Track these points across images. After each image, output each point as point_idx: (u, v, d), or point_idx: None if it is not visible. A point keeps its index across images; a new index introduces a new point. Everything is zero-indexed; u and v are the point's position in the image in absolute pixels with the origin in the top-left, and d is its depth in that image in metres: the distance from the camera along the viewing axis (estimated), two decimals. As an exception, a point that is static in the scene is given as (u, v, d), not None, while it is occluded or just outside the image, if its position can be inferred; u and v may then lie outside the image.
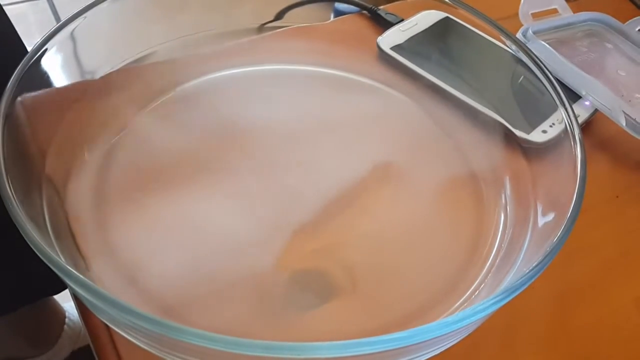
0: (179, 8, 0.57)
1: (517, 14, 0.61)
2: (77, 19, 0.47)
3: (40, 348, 0.99)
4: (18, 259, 0.78)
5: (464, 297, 0.41)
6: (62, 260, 0.32)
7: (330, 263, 0.43)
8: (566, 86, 0.56)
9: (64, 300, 1.03)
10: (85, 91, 0.49)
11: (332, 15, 0.64)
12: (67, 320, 1.02)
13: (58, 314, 1.02)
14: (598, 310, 0.44)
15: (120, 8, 0.50)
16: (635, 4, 0.72)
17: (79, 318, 1.03)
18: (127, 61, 0.52)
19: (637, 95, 0.57)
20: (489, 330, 0.40)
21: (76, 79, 0.49)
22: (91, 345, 0.40)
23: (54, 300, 1.01)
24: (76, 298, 0.41)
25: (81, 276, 0.31)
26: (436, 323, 0.31)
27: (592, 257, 0.47)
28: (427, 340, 0.32)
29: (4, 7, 0.71)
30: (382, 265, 0.43)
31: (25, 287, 0.88)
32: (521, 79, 0.51)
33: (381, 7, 0.62)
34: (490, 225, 0.45)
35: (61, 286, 0.92)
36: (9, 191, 0.34)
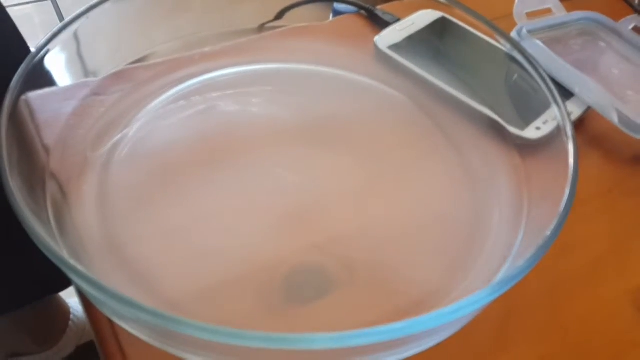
0: (180, 9, 0.57)
1: (511, 14, 0.61)
2: (80, 19, 0.47)
3: (45, 344, 0.99)
4: (22, 257, 0.78)
5: (459, 289, 0.41)
6: (66, 255, 0.33)
7: (328, 257, 0.43)
8: (559, 84, 0.56)
9: (69, 296, 1.03)
10: (88, 90, 0.49)
11: (330, 15, 0.64)
12: (71, 316, 1.02)
13: (63, 310, 1.02)
14: (590, 302, 0.45)
15: (122, 8, 0.51)
16: (628, 3, 0.72)
17: (83, 314, 1.03)
18: (130, 61, 0.53)
19: (629, 92, 0.58)
20: (483, 322, 0.40)
21: (79, 78, 0.50)
22: (95, 339, 0.41)
23: (59, 296, 1.01)
24: (80, 293, 0.42)
25: (85, 271, 0.31)
26: (432, 314, 0.31)
27: (585, 250, 0.48)
28: (423, 332, 0.32)
29: (9, 8, 0.71)
30: (379, 260, 0.44)
31: (30, 285, 0.88)
32: (515, 77, 0.52)
33: (378, 7, 0.63)
34: (485, 220, 0.46)
35: (65, 283, 0.93)
36: (13, 187, 0.35)
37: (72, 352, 1.02)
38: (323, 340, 0.30)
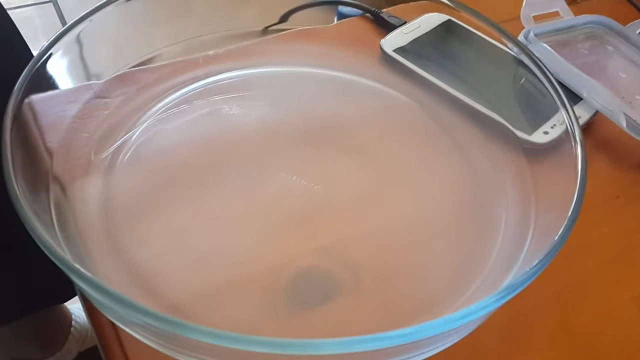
0: (183, 11, 0.57)
1: (518, 17, 0.61)
2: (83, 22, 0.47)
3: (47, 351, 0.99)
4: (27, 268, 0.78)
5: (466, 295, 0.41)
6: (69, 258, 0.33)
7: (333, 261, 0.43)
8: (567, 88, 0.56)
9: (71, 303, 1.03)
10: (92, 93, 0.49)
11: (335, 19, 0.64)
12: (73, 322, 1.02)
13: (65, 316, 1.02)
14: (598, 308, 0.45)
15: (125, 11, 0.51)
16: (636, 6, 0.72)
17: (85, 320, 1.03)
18: (133, 64, 0.52)
19: (637, 96, 0.57)
20: (491, 328, 0.40)
21: (82, 81, 0.49)
22: (98, 344, 0.40)
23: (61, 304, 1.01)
24: (83, 297, 0.42)
25: (88, 273, 0.31)
26: (440, 320, 0.31)
27: (593, 256, 0.48)
28: (431, 337, 0.32)
29: (11, 11, 0.71)
30: (384, 264, 0.43)
31: (34, 296, 0.88)
32: (523, 80, 0.52)
33: (384, 9, 0.62)
34: (492, 225, 0.45)
35: (70, 294, 0.93)
36: (17, 190, 0.34)
37: (75, 358, 1.02)
38: (330, 346, 0.29)
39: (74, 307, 1.04)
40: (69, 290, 0.91)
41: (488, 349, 0.42)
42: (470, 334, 0.37)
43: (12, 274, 0.81)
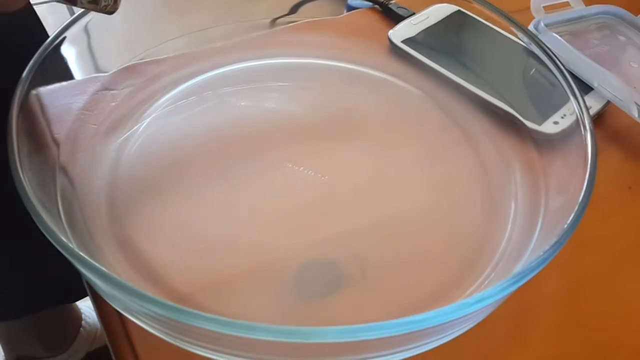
0: (192, 2, 0.57)
1: (528, 8, 0.60)
2: (90, 12, 0.47)
3: (56, 349, 0.99)
4: (40, 265, 0.79)
5: (475, 285, 0.41)
6: (75, 248, 0.33)
7: (340, 252, 0.43)
8: (578, 78, 0.55)
9: (81, 302, 1.03)
10: (99, 84, 0.49)
11: (344, 10, 0.64)
12: (83, 322, 1.02)
13: (75, 315, 1.01)
14: (608, 300, 0.44)
15: (133, 2, 0.51)
16: (648, -3, 0.72)
17: (94, 320, 1.03)
18: (140, 55, 0.53)
19: (649, 87, 0.57)
20: (499, 320, 0.40)
21: (90, 72, 0.50)
22: (105, 335, 0.40)
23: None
24: (90, 289, 0.42)
25: (94, 263, 0.31)
26: (451, 306, 0.31)
27: (604, 248, 0.47)
28: (441, 325, 0.32)
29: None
30: (392, 255, 0.43)
31: (46, 293, 0.88)
32: (533, 70, 0.51)
33: (393, 1, 0.62)
34: (501, 215, 0.45)
35: (81, 294, 0.93)
36: (24, 181, 0.35)
37: (83, 358, 1.02)
38: (336, 334, 0.29)
39: (84, 306, 1.04)
40: (81, 290, 0.90)
41: (496, 341, 0.41)
42: (479, 326, 0.37)
43: (26, 269, 0.81)
